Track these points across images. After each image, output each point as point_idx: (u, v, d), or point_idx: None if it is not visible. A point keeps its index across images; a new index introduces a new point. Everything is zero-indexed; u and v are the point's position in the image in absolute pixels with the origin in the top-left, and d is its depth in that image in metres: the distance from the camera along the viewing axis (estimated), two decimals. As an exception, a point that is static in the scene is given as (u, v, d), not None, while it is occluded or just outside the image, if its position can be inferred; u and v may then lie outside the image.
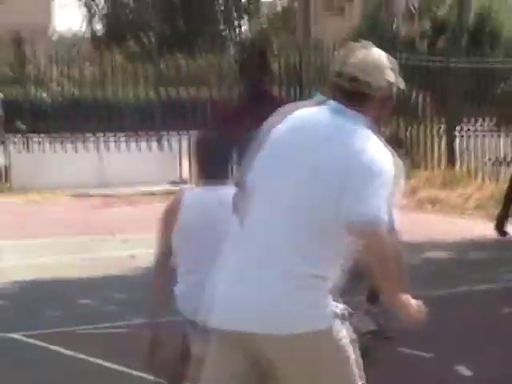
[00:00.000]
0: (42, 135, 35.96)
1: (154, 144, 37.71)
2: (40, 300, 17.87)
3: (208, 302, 6.75)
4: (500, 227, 14.29)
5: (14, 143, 36.37)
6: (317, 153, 6.30)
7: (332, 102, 6.22)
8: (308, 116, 6.55)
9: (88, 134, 35.50)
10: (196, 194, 9.57)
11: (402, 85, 6.37)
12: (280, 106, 8.05)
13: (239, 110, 14.79)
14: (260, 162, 6.40)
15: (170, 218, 9.18)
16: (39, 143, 35.89)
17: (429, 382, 13.07)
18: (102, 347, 14.02)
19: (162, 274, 9.29)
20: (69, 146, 35.10)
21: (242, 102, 15.77)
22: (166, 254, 9.24)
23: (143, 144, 37.45)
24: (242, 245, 6.49)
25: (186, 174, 34.32)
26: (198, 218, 8.89)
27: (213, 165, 9.88)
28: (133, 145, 36.80)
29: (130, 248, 23.40)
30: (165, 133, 38.98)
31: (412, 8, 64.18)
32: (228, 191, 7.98)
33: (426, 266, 20.01)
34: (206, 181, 9.38)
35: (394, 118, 32.67)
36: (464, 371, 12.90)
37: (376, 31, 58.33)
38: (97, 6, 69.01)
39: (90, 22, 71.28)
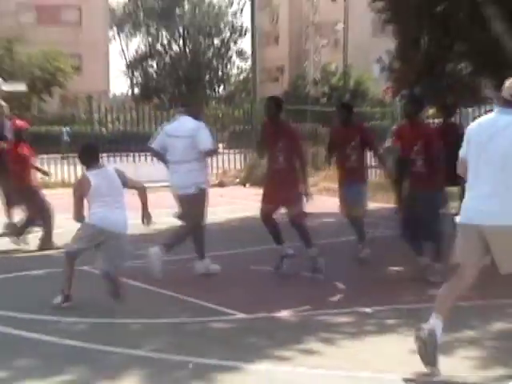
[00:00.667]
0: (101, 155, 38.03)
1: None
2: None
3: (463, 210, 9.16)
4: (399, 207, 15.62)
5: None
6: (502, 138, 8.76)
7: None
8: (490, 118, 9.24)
9: (129, 153, 37.49)
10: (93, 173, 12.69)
11: None
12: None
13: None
14: (474, 148, 8.90)
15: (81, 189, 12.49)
16: (99, 161, 38.06)
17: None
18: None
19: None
20: (118, 160, 35.60)
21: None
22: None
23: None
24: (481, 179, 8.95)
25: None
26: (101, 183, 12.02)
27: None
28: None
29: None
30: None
31: (317, 78, 71.88)
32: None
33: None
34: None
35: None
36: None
37: (297, 92, 65.96)
38: (135, 77, 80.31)
39: (131, 86, 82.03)
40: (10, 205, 18.88)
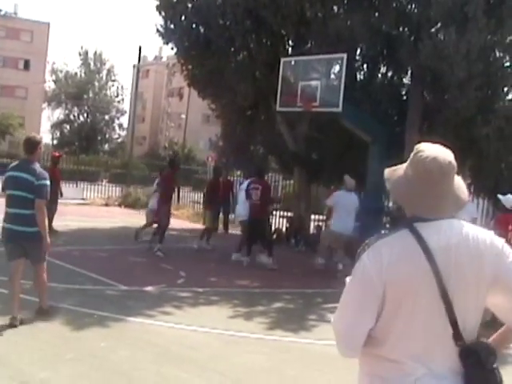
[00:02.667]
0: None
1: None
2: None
3: None
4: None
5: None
6: None
7: None
8: None
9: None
10: None
11: None
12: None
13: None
14: None
15: None
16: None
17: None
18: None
19: None
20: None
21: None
22: None
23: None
24: None
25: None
26: None
27: None
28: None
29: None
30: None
31: (166, 146, 69.90)
32: None
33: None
34: None
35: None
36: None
37: (154, 153, 63.48)
38: (55, 133, 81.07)
39: (52, 139, 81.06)
40: None
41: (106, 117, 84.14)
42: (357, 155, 17.89)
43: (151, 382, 6.74)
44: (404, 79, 19.39)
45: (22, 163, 8.27)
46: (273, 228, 19.38)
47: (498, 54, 16.65)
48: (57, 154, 19.55)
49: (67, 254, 14.20)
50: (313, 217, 21.39)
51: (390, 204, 20.05)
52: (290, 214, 20.41)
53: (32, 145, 8.24)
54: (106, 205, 30.61)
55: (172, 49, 21.27)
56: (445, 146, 2.75)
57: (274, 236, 19.20)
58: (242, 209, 16.05)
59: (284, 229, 20.70)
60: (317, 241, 19.09)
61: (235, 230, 18.76)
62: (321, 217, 20.59)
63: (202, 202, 20.74)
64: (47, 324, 8.48)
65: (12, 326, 8.08)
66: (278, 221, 22.52)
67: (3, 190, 8.45)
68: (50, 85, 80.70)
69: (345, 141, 18.63)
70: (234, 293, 12.03)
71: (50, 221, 18.14)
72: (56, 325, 8.52)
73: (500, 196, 11.45)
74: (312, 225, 21.04)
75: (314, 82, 16.96)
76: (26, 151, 8.27)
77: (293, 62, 18.13)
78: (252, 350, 8.29)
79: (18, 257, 8.28)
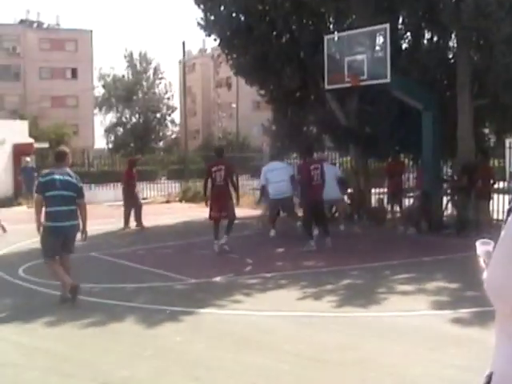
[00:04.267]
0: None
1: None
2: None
3: None
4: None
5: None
6: None
7: None
8: None
9: (108, 183, 31.90)
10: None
11: None
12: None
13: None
14: None
15: None
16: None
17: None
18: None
19: None
20: (101, 187, 32.57)
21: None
22: None
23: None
24: None
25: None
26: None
27: None
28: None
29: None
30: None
31: (220, 136, 70.30)
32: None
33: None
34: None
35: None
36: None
37: (208, 145, 62.84)
38: (109, 137, 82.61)
39: (107, 143, 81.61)
40: None
41: (158, 115, 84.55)
42: (410, 125, 17.72)
43: (230, 371, 6.79)
44: (449, 42, 19.07)
45: (61, 169, 9.78)
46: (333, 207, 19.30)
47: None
48: (133, 159, 22.10)
49: (133, 254, 14.48)
50: (373, 190, 21.26)
51: (449, 170, 19.94)
52: (350, 190, 20.26)
53: (63, 155, 9.94)
54: (167, 202, 30.70)
55: (215, 40, 21.34)
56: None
57: (336, 214, 19.17)
58: (271, 188, 16.48)
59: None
60: (379, 214, 19.10)
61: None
62: (381, 190, 20.54)
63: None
64: (122, 324, 8.65)
65: (74, 289, 9.35)
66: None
67: (41, 192, 9.74)
68: (99, 90, 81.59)
69: (396, 111, 18.48)
70: (302, 274, 12.04)
71: (139, 218, 19.34)
72: (130, 324, 8.67)
73: None
74: (373, 199, 20.94)
75: (359, 56, 16.92)
76: (59, 160, 9.91)
77: (336, 39, 18.11)
78: (325, 329, 8.33)
79: (59, 252, 9.71)
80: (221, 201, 14.42)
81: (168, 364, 7.03)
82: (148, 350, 7.53)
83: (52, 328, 8.52)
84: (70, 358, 7.32)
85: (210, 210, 14.62)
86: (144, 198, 31.70)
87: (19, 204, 29.86)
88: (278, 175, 16.45)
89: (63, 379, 6.61)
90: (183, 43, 43.81)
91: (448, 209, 18.15)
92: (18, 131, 33.74)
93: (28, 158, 31.53)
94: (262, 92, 22.97)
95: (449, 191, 18.31)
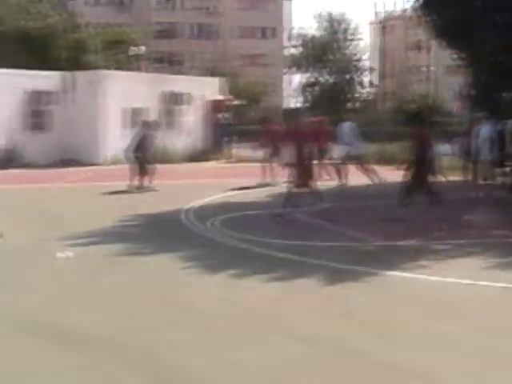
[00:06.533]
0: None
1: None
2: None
3: None
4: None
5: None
6: None
7: None
8: None
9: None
10: None
11: None
12: None
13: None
14: None
15: None
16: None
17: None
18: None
19: None
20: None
21: None
22: None
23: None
24: None
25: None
26: None
27: None
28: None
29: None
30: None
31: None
32: None
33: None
34: None
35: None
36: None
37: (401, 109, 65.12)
38: (297, 98, 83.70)
39: (296, 103, 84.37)
40: None
41: (348, 76, 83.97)
42: None
43: (416, 336, 6.70)
44: None
45: None
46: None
47: None
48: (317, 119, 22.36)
49: (323, 213, 14.22)
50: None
51: None
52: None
53: None
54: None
55: (415, 1, 20.93)
56: None
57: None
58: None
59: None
60: None
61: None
62: None
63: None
64: (308, 281, 8.74)
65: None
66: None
67: None
68: (291, 50, 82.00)
69: None
70: (489, 243, 11.48)
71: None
72: (316, 281, 8.75)
73: None
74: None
75: None
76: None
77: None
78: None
79: None
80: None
81: (356, 324, 7.04)
82: (334, 308, 7.60)
83: (241, 280, 8.78)
84: (259, 310, 7.48)
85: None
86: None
87: (212, 159, 30.87)
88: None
89: (252, 330, 6.77)
90: (374, 4, 43.64)
91: None
92: (212, 88, 34.71)
93: (220, 115, 32.38)
94: (459, 56, 22.25)
95: None
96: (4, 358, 5.91)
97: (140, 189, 18.69)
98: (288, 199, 13.98)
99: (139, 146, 19.22)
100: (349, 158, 19.62)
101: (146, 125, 20.66)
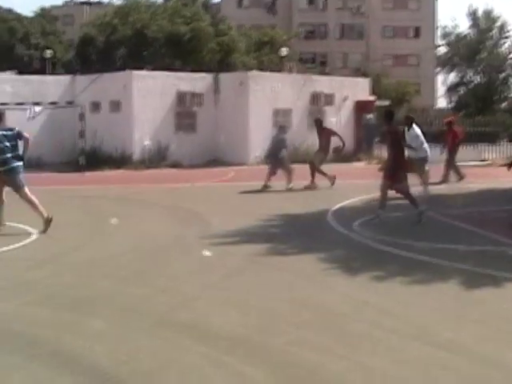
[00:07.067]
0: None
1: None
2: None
3: None
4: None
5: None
6: None
7: None
8: None
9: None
10: None
11: None
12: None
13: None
14: None
15: None
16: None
17: None
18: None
19: None
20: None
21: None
22: None
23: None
24: None
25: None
26: None
27: None
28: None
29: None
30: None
31: None
32: None
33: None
34: None
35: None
36: None
37: None
38: (450, 97, 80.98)
39: (448, 103, 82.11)
40: None
41: (501, 75, 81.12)
42: None
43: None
44: None
45: None
46: None
47: None
48: (447, 120, 23.12)
49: (467, 216, 14.04)
50: None
51: None
52: None
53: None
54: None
55: None
56: None
57: None
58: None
59: None
60: None
61: None
62: None
63: None
64: (448, 285, 8.46)
65: None
66: None
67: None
68: (441, 49, 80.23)
69: None
70: None
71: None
72: (456, 285, 8.50)
73: None
74: None
75: None
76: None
77: None
78: None
79: None
80: None
81: (493, 331, 6.80)
82: (473, 314, 7.37)
83: (380, 283, 8.64)
84: (395, 313, 7.36)
85: None
86: (482, 160, 31.31)
87: (359, 160, 30.76)
88: None
89: (387, 334, 6.67)
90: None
91: None
92: (360, 88, 34.61)
93: (369, 115, 32.22)
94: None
95: None
96: (138, 354, 6.04)
97: (267, 187, 19.48)
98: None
99: (276, 148, 20.04)
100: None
101: (282, 129, 21.40)
